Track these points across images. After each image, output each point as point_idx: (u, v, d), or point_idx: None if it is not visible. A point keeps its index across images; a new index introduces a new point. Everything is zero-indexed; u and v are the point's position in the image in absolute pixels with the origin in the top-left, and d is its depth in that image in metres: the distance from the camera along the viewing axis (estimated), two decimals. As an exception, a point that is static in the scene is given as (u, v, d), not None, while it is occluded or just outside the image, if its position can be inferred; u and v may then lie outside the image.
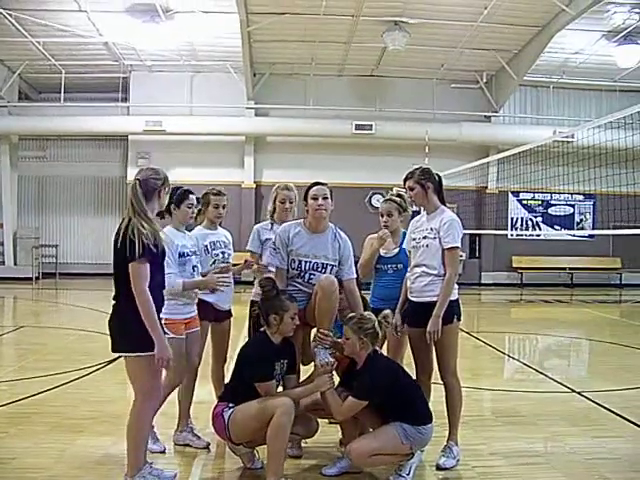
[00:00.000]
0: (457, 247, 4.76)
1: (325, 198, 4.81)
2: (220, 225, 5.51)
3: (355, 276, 4.99)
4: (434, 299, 4.67)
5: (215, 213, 5.40)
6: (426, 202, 4.94)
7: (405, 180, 5.03)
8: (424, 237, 4.83)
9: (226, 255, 5.35)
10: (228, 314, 5.40)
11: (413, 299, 4.84)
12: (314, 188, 4.86)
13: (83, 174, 20.17)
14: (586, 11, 13.72)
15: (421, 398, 4.55)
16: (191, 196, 5.07)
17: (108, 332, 3.97)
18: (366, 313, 4.58)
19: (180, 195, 4.99)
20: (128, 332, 3.86)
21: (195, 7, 14.64)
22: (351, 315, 4.58)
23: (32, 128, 18.54)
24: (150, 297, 3.81)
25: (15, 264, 18.93)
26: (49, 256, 19.88)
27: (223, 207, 5.42)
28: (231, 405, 4.39)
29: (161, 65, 18.58)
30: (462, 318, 4.86)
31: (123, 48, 17.29)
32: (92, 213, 20.22)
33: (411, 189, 4.96)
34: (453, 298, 4.74)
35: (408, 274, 4.96)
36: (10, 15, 14.64)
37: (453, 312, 4.73)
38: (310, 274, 4.78)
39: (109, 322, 3.94)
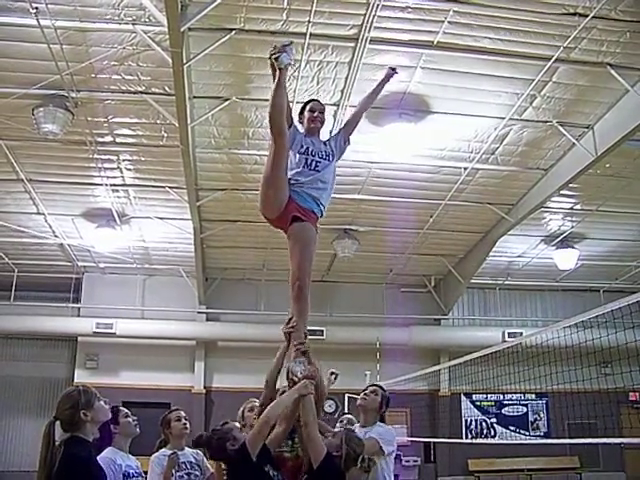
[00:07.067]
0: (376, 441, 4.76)
1: None
2: (188, 446, 5.10)
3: None
4: None
5: (180, 426, 5.15)
6: (374, 413, 5.08)
7: (370, 386, 5.26)
8: None
9: (192, 477, 4.93)
10: None
11: None
12: None
13: (27, 375, 19.14)
14: (525, 218, 14.60)
15: None
16: (122, 408, 4.89)
17: None
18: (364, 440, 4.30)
19: (112, 412, 4.63)
20: None
21: (150, 213, 15.04)
22: (352, 428, 4.55)
23: (-23, 326, 17.94)
24: None
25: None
26: (-16, 462, 18.50)
27: (185, 418, 5.23)
28: None
29: (114, 267, 18.63)
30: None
31: (78, 250, 17.40)
32: (34, 416, 18.91)
33: (374, 393, 5.04)
34: None
35: None
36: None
37: None
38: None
39: None
